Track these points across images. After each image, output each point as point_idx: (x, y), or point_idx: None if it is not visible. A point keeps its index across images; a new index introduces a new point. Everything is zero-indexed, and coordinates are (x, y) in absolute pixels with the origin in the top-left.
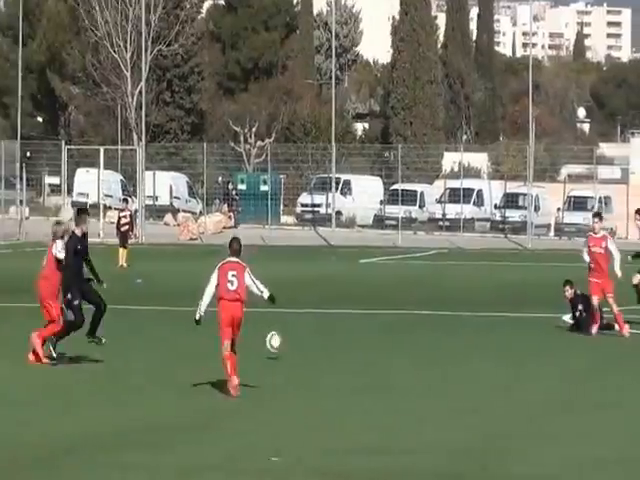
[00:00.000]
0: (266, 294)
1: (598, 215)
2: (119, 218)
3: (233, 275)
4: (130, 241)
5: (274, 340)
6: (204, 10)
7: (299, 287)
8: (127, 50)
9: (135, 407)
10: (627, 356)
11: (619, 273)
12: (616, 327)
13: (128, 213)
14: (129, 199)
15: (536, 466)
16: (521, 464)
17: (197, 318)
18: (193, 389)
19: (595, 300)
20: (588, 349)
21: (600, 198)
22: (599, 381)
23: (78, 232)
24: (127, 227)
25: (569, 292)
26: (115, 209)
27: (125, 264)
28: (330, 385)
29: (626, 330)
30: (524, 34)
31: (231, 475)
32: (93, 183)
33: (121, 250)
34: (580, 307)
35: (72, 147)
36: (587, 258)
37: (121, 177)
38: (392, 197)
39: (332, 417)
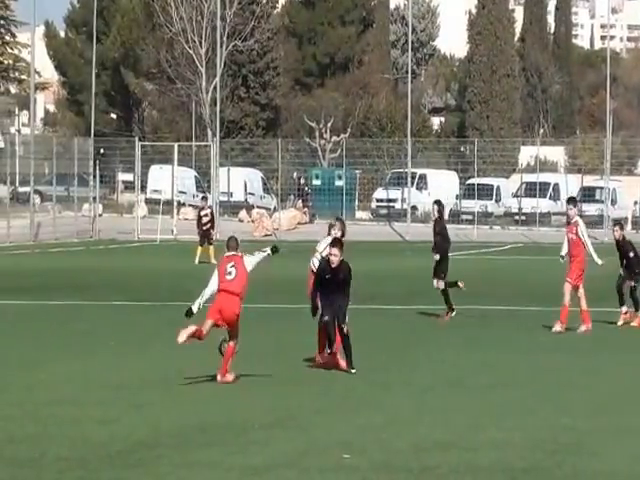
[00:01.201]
0: (268, 250)
1: (572, 201)
2: (199, 216)
3: (232, 266)
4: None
5: None
6: (280, 5)
7: (374, 283)
8: (202, 46)
9: (204, 406)
10: None
11: (599, 262)
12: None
13: (209, 211)
14: (208, 196)
15: (610, 462)
16: (595, 459)
17: (193, 309)
18: (262, 387)
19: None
20: None
21: None
22: None
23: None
24: (209, 225)
25: (618, 233)
26: (189, 205)
27: (214, 260)
28: (401, 382)
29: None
30: (602, 26)
31: (303, 472)
32: (167, 180)
33: (200, 248)
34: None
35: (146, 143)
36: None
37: (195, 173)
38: (468, 191)
39: (402, 414)
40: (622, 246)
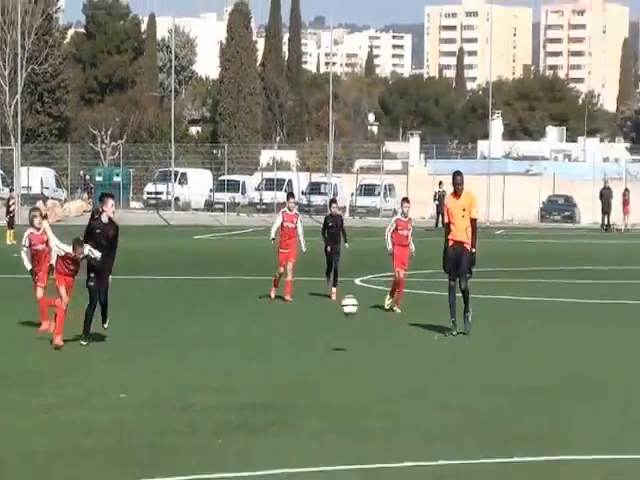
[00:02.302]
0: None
1: (292, 195)
2: (8, 205)
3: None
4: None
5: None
6: (69, 36)
7: (144, 258)
8: (5, 68)
9: (8, 354)
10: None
11: (304, 249)
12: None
13: (15, 200)
14: (15, 189)
15: (335, 396)
16: (322, 394)
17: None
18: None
19: None
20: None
21: (385, 186)
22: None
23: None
24: (13, 213)
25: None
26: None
27: (14, 242)
28: (170, 336)
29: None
30: (326, 55)
31: (89, 410)
32: None
33: (9, 231)
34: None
35: None
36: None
37: (1, 172)
38: (220, 186)
39: (169, 362)
40: (337, 220)
